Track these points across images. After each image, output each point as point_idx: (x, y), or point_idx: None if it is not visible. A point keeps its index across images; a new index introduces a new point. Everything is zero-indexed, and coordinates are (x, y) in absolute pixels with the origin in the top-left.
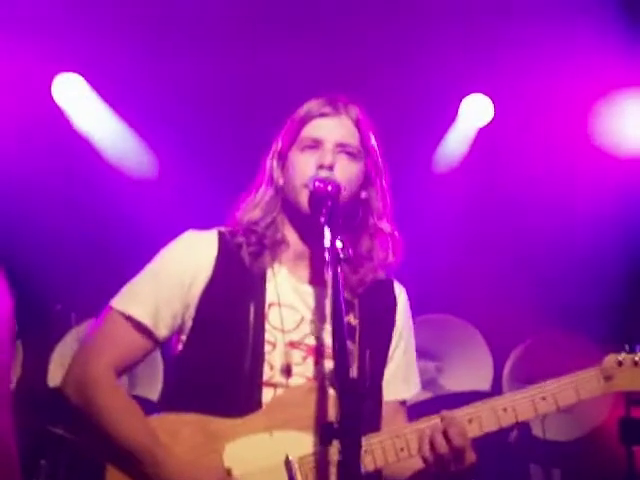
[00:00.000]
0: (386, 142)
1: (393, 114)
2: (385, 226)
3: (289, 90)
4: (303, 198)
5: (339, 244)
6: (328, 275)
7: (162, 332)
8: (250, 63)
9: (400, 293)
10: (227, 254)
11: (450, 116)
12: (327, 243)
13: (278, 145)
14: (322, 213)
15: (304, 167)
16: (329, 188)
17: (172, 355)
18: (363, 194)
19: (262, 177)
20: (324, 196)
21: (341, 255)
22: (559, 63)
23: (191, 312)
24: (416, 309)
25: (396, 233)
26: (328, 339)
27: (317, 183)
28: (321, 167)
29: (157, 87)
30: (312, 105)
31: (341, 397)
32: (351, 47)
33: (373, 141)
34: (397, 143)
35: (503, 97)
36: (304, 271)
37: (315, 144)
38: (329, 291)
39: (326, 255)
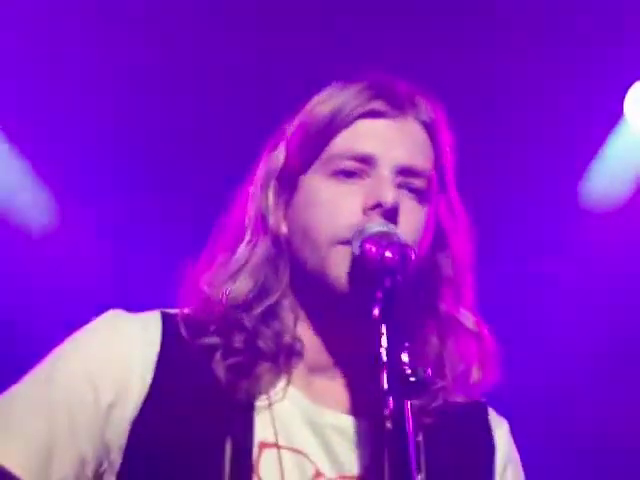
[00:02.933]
0: (499, 166)
1: (509, 120)
2: (466, 317)
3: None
4: (337, 263)
5: (405, 357)
6: (385, 410)
7: None
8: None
9: (500, 427)
10: (180, 355)
11: (608, 119)
12: (384, 356)
13: (276, 163)
14: (376, 300)
15: (340, 206)
16: (388, 255)
17: None
18: (430, 262)
19: (240, 219)
20: (379, 270)
21: (411, 377)
22: None
23: (114, 459)
24: None
25: (486, 330)
26: None
27: (370, 246)
28: (376, 208)
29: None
30: (347, 95)
31: None
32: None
33: (451, 163)
34: (516, 167)
35: None
36: (327, 391)
37: (360, 167)
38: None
39: (383, 380)
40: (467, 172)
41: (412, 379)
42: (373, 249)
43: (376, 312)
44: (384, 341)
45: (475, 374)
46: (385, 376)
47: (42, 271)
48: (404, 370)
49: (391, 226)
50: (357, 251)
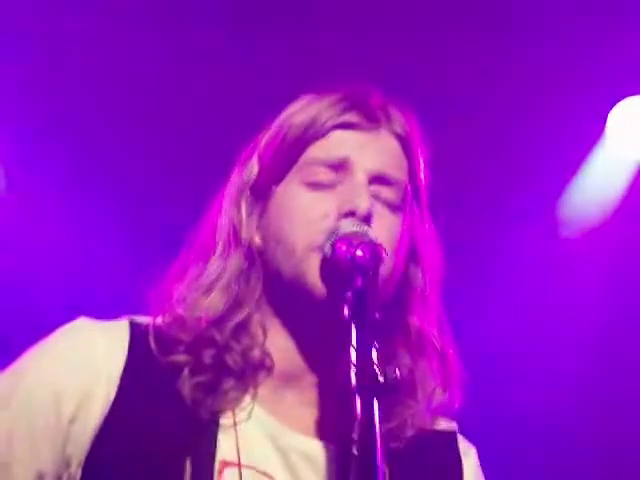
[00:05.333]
0: (473, 186)
1: (483, 139)
2: (434, 336)
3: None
4: (313, 270)
5: (375, 356)
6: (354, 414)
7: None
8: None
9: (468, 455)
10: (147, 369)
11: (587, 140)
12: (354, 355)
13: (249, 174)
14: (346, 300)
15: (314, 212)
16: (358, 253)
17: None
18: (402, 273)
19: (212, 231)
20: (351, 269)
21: (380, 378)
22: None
23: (73, 470)
24: None
25: (452, 349)
26: None
27: (341, 245)
28: (349, 215)
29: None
30: (322, 106)
31: None
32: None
33: (425, 176)
34: (495, 184)
35: None
36: (295, 411)
37: (334, 175)
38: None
39: (352, 378)
40: (443, 187)
41: (381, 378)
42: (344, 248)
43: (346, 312)
44: (353, 340)
45: (439, 394)
46: (353, 374)
47: None
48: (374, 369)
49: (364, 226)
50: (328, 251)
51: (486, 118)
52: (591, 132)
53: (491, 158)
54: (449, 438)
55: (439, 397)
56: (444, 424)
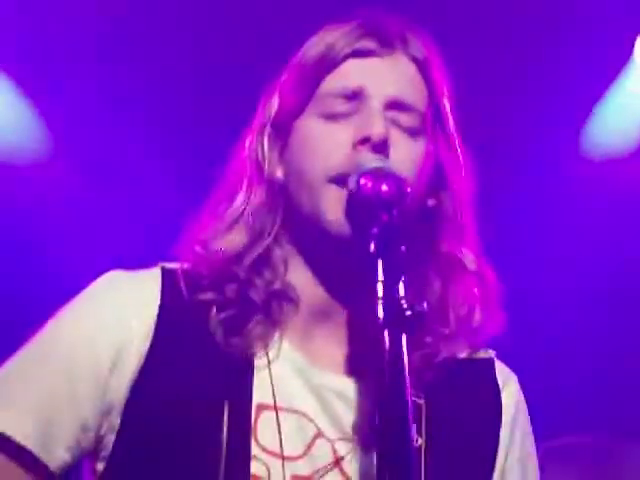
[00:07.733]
0: (492, 110)
1: (505, 61)
2: (468, 257)
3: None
4: (331, 204)
5: (402, 291)
6: (382, 350)
7: (59, 459)
8: None
9: (508, 383)
10: (180, 312)
11: (614, 64)
12: (380, 290)
13: (271, 109)
14: (372, 235)
15: (329, 144)
16: (384, 188)
17: None
18: (430, 200)
19: (238, 169)
20: (375, 204)
21: (407, 311)
22: None
23: (113, 421)
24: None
25: (490, 272)
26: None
27: (365, 181)
28: (364, 142)
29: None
30: (337, 35)
31: None
32: None
33: (447, 101)
34: (518, 109)
35: None
36: (325, 349)
37: (350, 105)
38: (370, 383)
39: (379, 312)
40: (464, 115)
41: (408, 312)
42: (369, 184)
43: (372, 247)
44: (380, 275)
45: (477, 317)
46: (381, 309)
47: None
48: (400, 304)
49: (387, 161)
50: (354, 187)
51: (510, 38)
52: (618, 59)
53: (517, 79)
54: (486, 366)
55: (477, 320)
56: (481, 352)
